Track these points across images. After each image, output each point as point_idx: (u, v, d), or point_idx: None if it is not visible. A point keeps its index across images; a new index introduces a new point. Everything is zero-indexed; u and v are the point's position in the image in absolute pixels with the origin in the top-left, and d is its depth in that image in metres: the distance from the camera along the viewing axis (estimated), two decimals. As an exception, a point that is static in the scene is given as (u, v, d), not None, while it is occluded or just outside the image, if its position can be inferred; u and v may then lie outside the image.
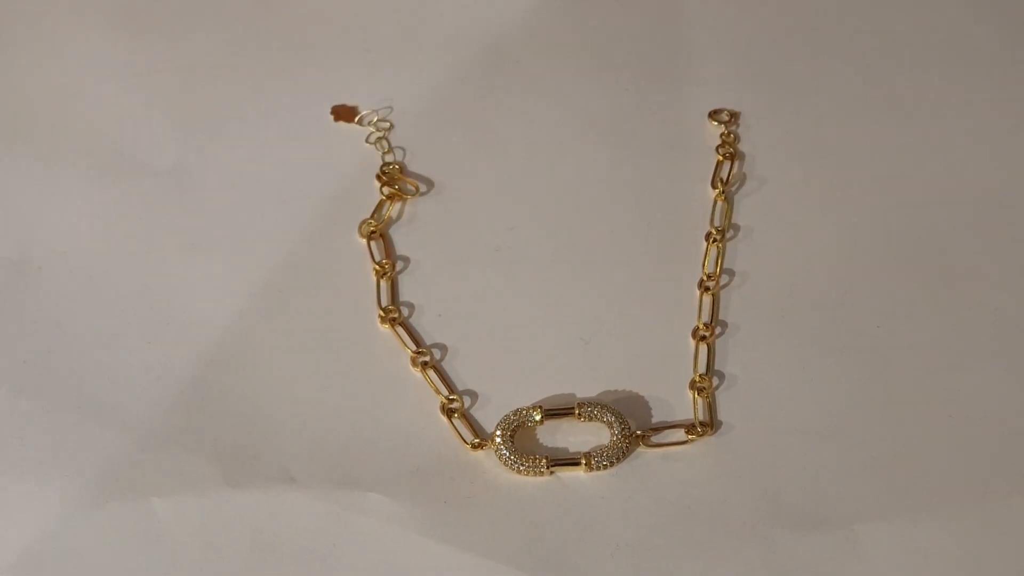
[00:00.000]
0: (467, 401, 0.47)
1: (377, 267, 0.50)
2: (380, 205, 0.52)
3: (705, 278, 0.49)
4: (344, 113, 0.55)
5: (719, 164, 0.53)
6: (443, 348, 0.48)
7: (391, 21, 0.58)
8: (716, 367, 0.47)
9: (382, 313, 0.49)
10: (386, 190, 0.52)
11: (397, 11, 0.58)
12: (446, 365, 0.48)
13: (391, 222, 0.52)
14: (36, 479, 0.44)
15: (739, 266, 0.50)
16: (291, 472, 0.45)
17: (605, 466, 0.45)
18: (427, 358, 0.48)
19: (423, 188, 0.53)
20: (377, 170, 0.53)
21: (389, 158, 0.54)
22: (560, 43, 0.52)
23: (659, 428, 0.46)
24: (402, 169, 0.53)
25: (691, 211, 0.52)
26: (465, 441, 0.45)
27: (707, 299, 0.49)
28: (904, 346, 0.47)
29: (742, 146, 0.54)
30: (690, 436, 0.45)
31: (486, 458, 0.45)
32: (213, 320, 0.48)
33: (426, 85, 0.52)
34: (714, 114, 0.55)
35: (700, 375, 0.47)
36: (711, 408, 0.46)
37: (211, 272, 0.50)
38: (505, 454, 0.45)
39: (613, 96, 0.55)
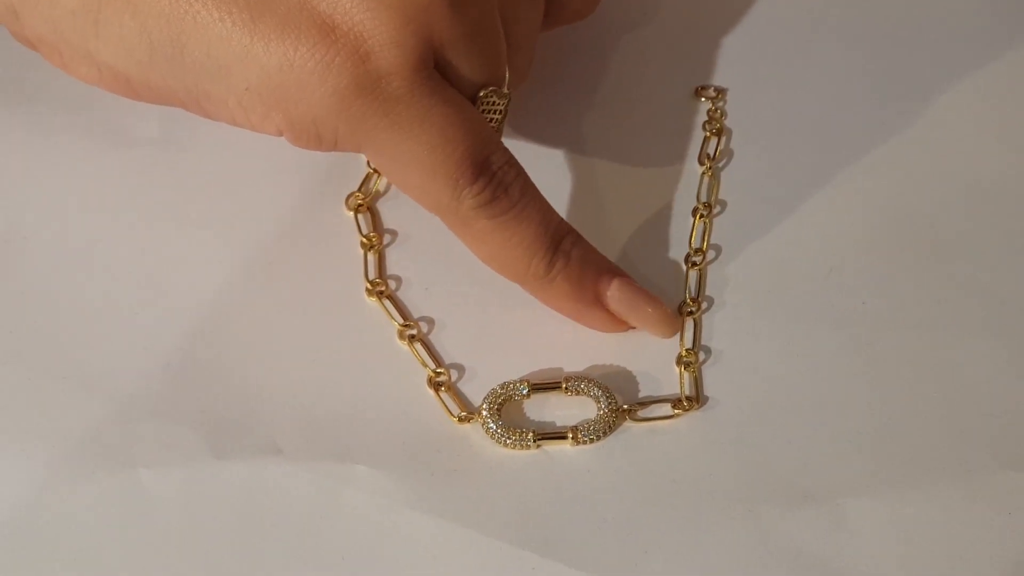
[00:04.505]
0: (454, 375, 0.47)
1: (364, 240, 0.50)
2: (367, 178, 0.52)
3: (692, 253, 0.49)
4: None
5: (706, 140, 0.53)
6: (430, 321, 0.48)
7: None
8: (703, 342, 0.47)
9: (369, 286, 0.49)
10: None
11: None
12: (433, 339, 0.48)
13: (378, 195, 0.52)
14: (22, 448, 0.44)
15: (726, 241, 0.50)
16: (278, 444, 0.45)
17: (591, 440, 0.45)
18: (414, 331, 0.48)
19: (410, 161, 0.53)
20: (364, 143, 0.53)
21: (376, 131, 0.53)
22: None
23: (645, 402, 0.46)
24: (389, 142, 0.53)
25: (678, 186, 0.52)
26: (452, 414, 0.45)
27: (694, 274, 0.49)
28: (890, 322, 0.47)
29: (729, 122, 0.54)
30: (676, 411, 0.45)
31: (473, 431, 0.45)
32: (200, 291, 0.48)
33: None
34: (701, 90, 0.55)
35: (687, 350, 0.47)
36: (697, 383, 0.46)
37: (198, 243, 0.50)
38: (492, 427, 0.45)
39: (600, 70, 0.55)
